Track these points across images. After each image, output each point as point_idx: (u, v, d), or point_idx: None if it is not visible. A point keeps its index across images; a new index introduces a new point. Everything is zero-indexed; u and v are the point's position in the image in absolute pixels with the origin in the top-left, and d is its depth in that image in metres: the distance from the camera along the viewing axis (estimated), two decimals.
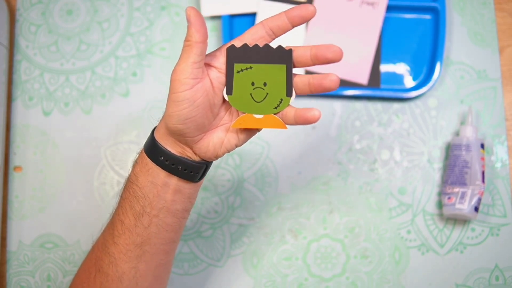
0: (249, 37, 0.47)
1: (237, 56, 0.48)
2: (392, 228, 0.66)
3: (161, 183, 0.48)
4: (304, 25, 0.69)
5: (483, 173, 0.63)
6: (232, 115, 0.50)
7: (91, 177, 0.68)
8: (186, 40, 0.44)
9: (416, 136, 0.68)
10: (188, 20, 0.43)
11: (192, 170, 0.49)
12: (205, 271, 0.66)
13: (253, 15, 0.70)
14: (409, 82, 0.69)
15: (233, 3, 0.69)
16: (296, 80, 0.48)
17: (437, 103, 0.69)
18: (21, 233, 0.67)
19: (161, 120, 0.49)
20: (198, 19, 0.43)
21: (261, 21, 0.47)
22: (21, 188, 0.68)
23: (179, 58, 0.45)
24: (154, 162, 0.48)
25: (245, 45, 0.48)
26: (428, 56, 0.69)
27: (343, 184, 0.67)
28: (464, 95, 0.69)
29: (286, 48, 0.47)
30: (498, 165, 0.67)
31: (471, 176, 0.63)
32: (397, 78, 0.69)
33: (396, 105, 0.69)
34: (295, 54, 0.47)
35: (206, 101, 0.46)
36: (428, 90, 0.68)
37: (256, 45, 0.47)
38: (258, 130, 0.50)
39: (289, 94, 0.49)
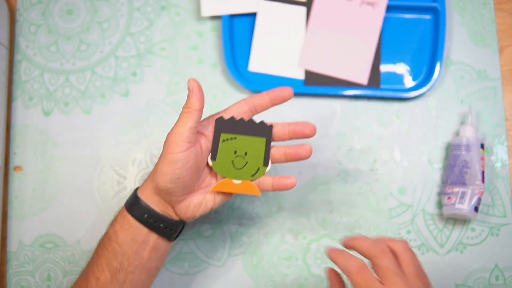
0: (235, 111, 0.54)
1: (224, 127, 0.54)
2: (392, 228, 0.66)
3: (141, 240, 0.52)
4: (304, 25, 0.69)
5: (483, 173, 0.63)
6: (211, 180, 0.55)
7: (91, 177, 0.68)
8: (187, 106, 0.50)
9: (416, 136, 0.68)
10: (191, 90, 0.50)
11: (172, 228, 0.53)
12: (205, 271, 0.66)
13: (253, 15, 0.70)
14: (409, 82, 0.69)
15: (233, 3, 0.69)
16: (273, 151, 0.54)
17: (437, 103, 0.69)
18: (21, 233, 0.67)
19: (146, 182, 0.54)
20: (199, 90, 0.50)
21: (245, 99, 0.55)
22: (21, 188, 0.68)
23: (177, 122, 0.50)
24: (137, 219, 0.52)
25: (232, 118, 0.54)
26: (428, 56, 0.69)
27: (343, 184, 0.67)
28: (464, 95, 0.69)
29: (268, 124, 0.54)
30: (498, 165, 0.67)
31: (471, 176, 0.63)
32: (397, 78, 0.69)
33: (396, 105, 0.69)
34: (275, 130, 0.54)
35: (196, 164, 0.51)
36: (428, 90, 0.68)
37: (241, 119, 0.53)
38: (232, 195, 0.56)
39: (265, 164, 0.55)
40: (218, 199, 0.54)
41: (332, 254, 0.48)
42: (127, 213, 0.53)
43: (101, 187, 0.68)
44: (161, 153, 0.51)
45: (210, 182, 0.55)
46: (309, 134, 0.55)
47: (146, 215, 0.52)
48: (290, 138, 0.55)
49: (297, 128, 0.54)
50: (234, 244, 0.66)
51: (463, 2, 0.71)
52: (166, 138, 0.51)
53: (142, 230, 0.52)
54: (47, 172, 0.68)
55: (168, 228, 0.53)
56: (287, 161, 0.55)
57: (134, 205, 0.53)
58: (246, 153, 0.54)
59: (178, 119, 0.50)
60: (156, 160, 0.68)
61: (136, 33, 0.71)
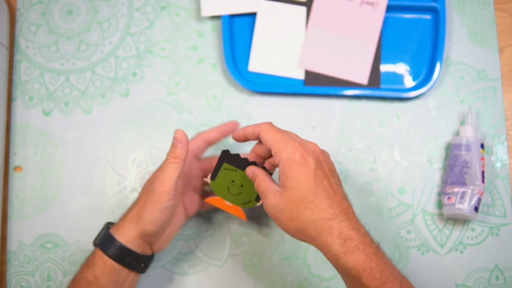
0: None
1: (229, 159, 0.57)
2: (392, 228, 0.66)
3: (122, 279, 0.55)
4: (304, 25, 0.69)
5: (483, 173, 0.63)
6: (180, 214, 0.59)
7: (91, 177, 0.68)
8: (175, 157, 0.53)
9: (416, 136, 0.68)
10: (179, 141, 0.53)
11: (146, 264, 0.57)
12: (205, 271, 0.66)
13: (253, 15, 0.70)
14: (409, 82, 0.69)
15: (233, 3, 0.69)
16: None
17: (437, 103, 0.69)
18: (21, 233, 0.67)
19: (126, 226, 0.55)
20: (187, 141, 0.54)
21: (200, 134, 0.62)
22: (21, 188, 0.68)
23: (165, 171, 0.53)
24: (120, 263, 0.55)
25: (237, 154, 0.56)
26: (428, 56, 0.69)
27: (343, 184, 0.67)
28: (464, 95, 0.69)
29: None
30: (498, 165, 0.67)
31: (471, 176, 0.63)
32: (397, 78, 0.69)
33: (396, 105, 0.69)
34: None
35: (177, 205, 0.56)
36: (428, 90, 0.68)
37: (246, 158, 0.56)
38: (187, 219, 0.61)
39: (257, 200, 0.60)
40: (179, 225, 0.59)
41: (240, 130, 0.54)
42: (108, 257, 0.55)
43: (101, 187, 0.68)
44: (147, 200, 0.54)
45: (179, 214, 0.59)
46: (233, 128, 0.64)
47: (128, 258, 0.55)
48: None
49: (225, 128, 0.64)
50: (234, 244, 0.66)
51: (463, 2, 0.71)
52: (153, 185, 0.53)
53: (123, 271, 0.55)
54: (47, 172, 0.68)
55: (144, 265, 0.57)
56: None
57: (115, 250, 0.55)
58: (242, 185, 0.59)
59: (165, 167, 0.53)
60: (155, 160, 0.68)
61: (136, 33, 0.71)
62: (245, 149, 0.66)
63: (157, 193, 0.53)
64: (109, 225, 0.58)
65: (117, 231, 0.56)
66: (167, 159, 0.54)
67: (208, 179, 0.59)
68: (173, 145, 0.54)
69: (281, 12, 0.69)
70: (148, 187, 0.55)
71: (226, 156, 0.57)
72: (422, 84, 0.68)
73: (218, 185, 0.59)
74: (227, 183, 0.59)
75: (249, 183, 0.58)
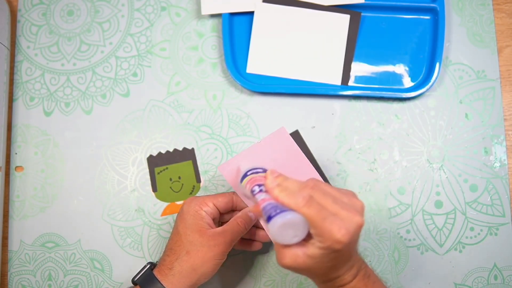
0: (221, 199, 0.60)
1: (155, 163, 0.62)
2: (391, 227, 0.67)
3: None
4: (303, 26, 0.69)
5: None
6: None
7: (92, 177, 0.68)
8: (246, 226, 0.57)
9: (415, 136, 0.68)
10: (256, 217, 0.57)
11: None
12: None
13: (253, 14, 0.70)
14: (408, 82, 0.69)
15: (232, 2, 0.69)
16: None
17: (436, 103, 0.69)
18: (22, 232, 0.67)
19: (172, 275, 0.55)
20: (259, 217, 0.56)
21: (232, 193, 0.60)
22: (22, 188, 0.68)
23: (231, 233, 0.56)
24: None
25: (159, 153, 0.62)
26: (427, 57, 0.69)
27: (342, 184, 0.68)
28: (463, 95, 0.69)
29: (189, 148, 0.62)
30: (497, 165, 0.67)
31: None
32: (397, 78, 0.70)
33: (395, 105, 0.69)
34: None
35: None
36: (427, 90, 0.68)
37: (167, 151, 0.61)
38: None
39: (198, 181, 0.64)
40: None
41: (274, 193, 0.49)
42: None
43: (101, 187, 0.68)
44: (205, 255, 0.55)
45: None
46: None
47: None
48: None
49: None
50: None
51: (462, 3, 0.71)
52: (215, 241, 0.55)
53: None
54: (48, 172, 0.68)
55: None
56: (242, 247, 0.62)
57: None
58: (179, 177, 0.63)
59: (233, 230, 0.56)
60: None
61: (137, 33, 0.71)
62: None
63: (218, 251, 0.55)
64: (151, 266, 0.58)
65: (163, 279, 0.56)
66: (236, 222, 0.56)
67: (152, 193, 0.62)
68: (248, 216, 0.57)
69: (278, 14, 0.69)
70: (203, 240, 0.55)
71: (151, 162, 0.61)
72: (422, 84, 0.68)
73: (162, 193, 0.63)
74: (168, 185, 0.62)
75: (183, 170, 0.60)
